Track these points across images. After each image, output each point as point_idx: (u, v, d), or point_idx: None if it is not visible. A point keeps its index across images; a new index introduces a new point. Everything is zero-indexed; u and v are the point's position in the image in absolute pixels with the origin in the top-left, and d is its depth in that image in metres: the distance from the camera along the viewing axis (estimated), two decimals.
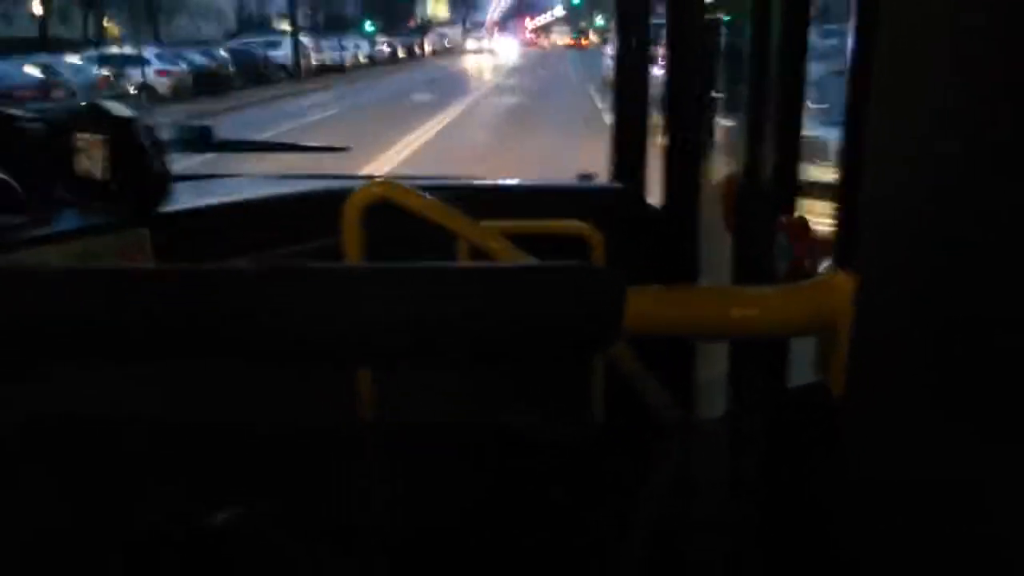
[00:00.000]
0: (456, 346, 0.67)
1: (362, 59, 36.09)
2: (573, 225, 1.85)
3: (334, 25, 47.04)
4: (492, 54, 53.91)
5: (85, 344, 0.67)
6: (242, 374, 1.36)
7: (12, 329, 0.66)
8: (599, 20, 60.60)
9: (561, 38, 71.68)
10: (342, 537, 0.92)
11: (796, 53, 1.21)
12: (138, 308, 0.66)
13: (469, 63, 43.52)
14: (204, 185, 2.31)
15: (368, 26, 47.47)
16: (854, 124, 0.74)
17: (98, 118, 1.88)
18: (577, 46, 61.41)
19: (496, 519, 0.89)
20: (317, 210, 1.74)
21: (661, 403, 1.55)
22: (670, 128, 2.00)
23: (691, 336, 1.37)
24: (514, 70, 35.99)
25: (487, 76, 33.79)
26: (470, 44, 62.44)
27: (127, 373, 1.20)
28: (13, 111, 2.11)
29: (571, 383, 1.76)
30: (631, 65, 2.21)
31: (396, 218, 1.47)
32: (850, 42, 0.74)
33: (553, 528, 0.89)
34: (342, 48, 34.77)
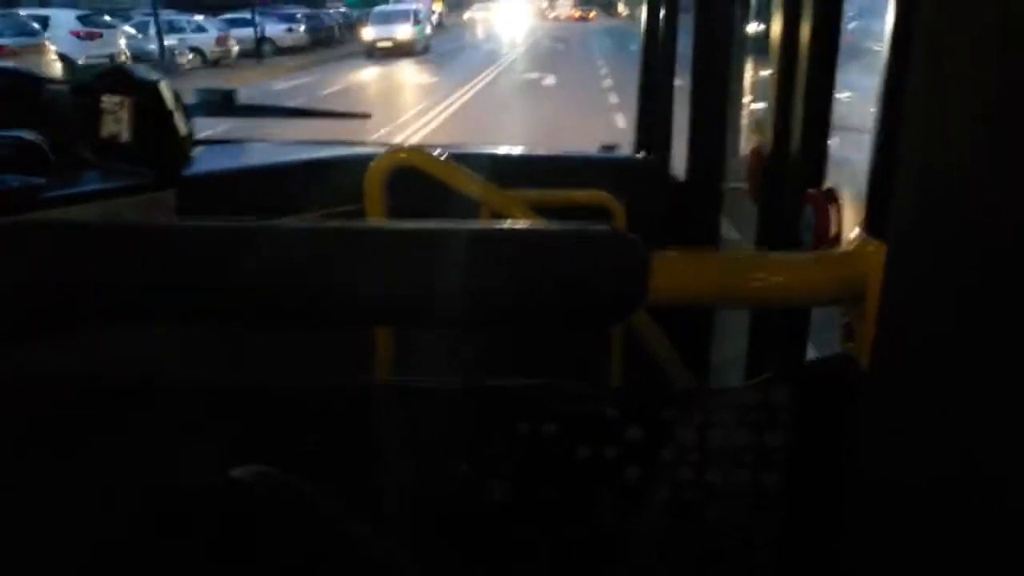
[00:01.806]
0: (480, 308, 0.67)
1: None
2: (595, 195, 1.83)
3: None
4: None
5: (109, 302, 0.67)
6: (262, 335, 1.36)
7: (32, 285, 0.66)
8: None
9: (565, 11, 67.90)
10: (362, 496, 0.93)
11: (829, 21, 1.19)
12: (162, 264, 0.66)
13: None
14: (228, 149, 2.32)
15: None
16: (889, 91, 0.72)
17: (124, 81, 1.89)
18: (583, 19, 57.25)
19: (511, 485, 0.89)
20: (340, 176, 1.74)
21: (679, 373, 1.54)
22: (695, 98, 1.97)
23: (716, 303, 1.36)
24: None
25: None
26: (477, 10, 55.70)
27: (148, 333, 1.21)
28: (39, 74, 2.12)
29: (590, 349, 1.76)
30: (658, 34, 2.18)
31: (418, 186, 1.46)
32: (889, 8, 0.73)
33: (568, 495, 0.89)
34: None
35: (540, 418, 0.85)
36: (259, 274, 0.66)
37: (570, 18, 59.98)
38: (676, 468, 0.85)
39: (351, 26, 30.87)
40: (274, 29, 26.18)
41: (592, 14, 61.18)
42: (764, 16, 1.71)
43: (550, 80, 17.41)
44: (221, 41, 22.65)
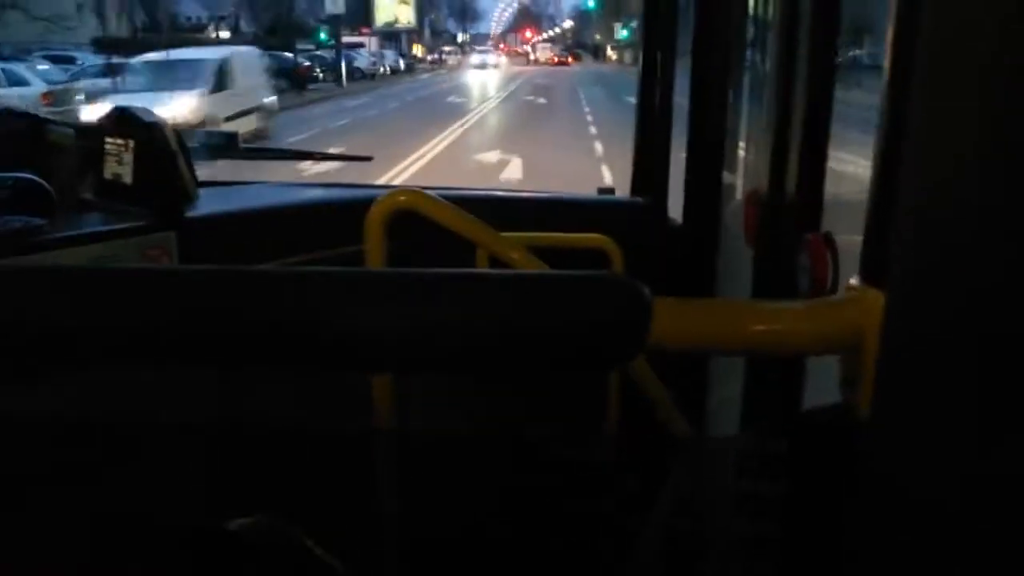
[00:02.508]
0: (477, 354, 0.67)
1: None
2: (593, 238, 1.84)
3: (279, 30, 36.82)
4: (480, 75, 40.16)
5: (105, 346, 0.67)
6: (260, 378, 1.36)
7: (31, 330, 0.67)
8: (622, 32, 55.66)
9: (544, 54, 67.36)
10: (356, 544, 0.92)
11: (824, 67, 1.21)
12: (159, 310, 0.66)
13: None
14: (230, 191, 2.34)
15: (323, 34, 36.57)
16: (886, 136, 0.73)
17: (128, 123, 1.91)
18: (563, 64, 57.41)
19: (508, 532, 0.88)
20: (341, 218, 1.75)
21: (675, 419, 1.54)
22: (692, 142, 2.00)
23: (712, 351, 1.37)
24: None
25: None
26: (475, 59, 54.96)
27: (146, 376, 1.21)
28: (45, 116, 2.14)
29: (587, 396, 1.76)
30: (655, 79, 2.21)
31: (418, 227, 1.47)
32: (887, 56, 0.74)
33: (565, 542, 0.88)
34: None
35: (537, 465, 0.85)
36: (251, 319, 0.66)
37: (550, 62, 60.34)
38: (673, 517, 0.85)
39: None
40: None
41: (570, 59, 61.65)
42: (760, 61, 1.74)
43: (514, 170, 11.57)
44: None
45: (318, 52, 34.09)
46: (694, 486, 0.84)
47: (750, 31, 1.91)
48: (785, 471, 0.82)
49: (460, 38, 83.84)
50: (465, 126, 17.74)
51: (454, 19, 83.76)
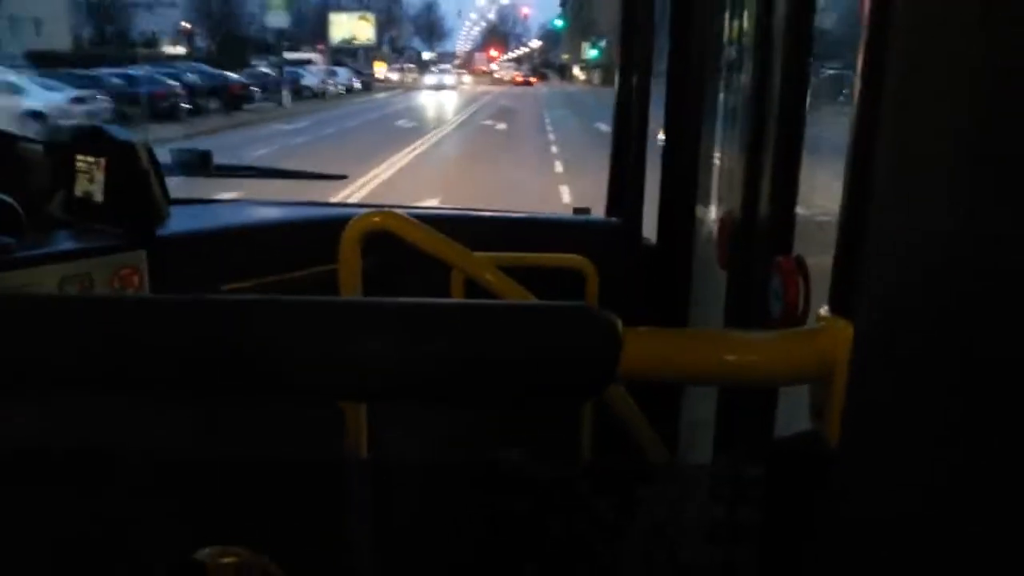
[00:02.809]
0: (449, 384, 0.67)
1: None
2: (568, 259, 1.85)
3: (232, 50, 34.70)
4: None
5: (69, 373, 0.66)
6: (231, 406, 1.35)
7: None
8: (591, 52, 54.90)
9: (508, 74, 64.53)
10: (327, 573, 0.91)
11: (797, 91, 1.22)
12: (126, 337, 0.65)
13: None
14: (203, 209, 2.32)
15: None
16: (854, 166, 0.74)
17: (99, 140, 1.89)
18: (527, 84, 55.98)
19: (482, 559, 0.88)
20: (314, 237, 1.74)
21: (649, 445, 1.54)
22: (666, 164, 2.01)
23: (685, 380, 1.37)
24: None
25: None
26: (429, 80, 49.48)
27: (115, 405, 1.19)
28: (13, 132, 2.12)
29: (561, 422, 1.76)
30: (631, 100, 2.22)
31: (393, 247, 1.47)
32: (856, 82, 0.75)
33: (539, 569, 0.88)
34: None
35: (511, 492, 0.84)
36: (222, 348, 0.65)
37: (513, 81, 59.13)
38: (648, 544, 0.84)
39: None
40: None
41: (534, 79, 60.46)
42: (735, 82, 1.76)
43: None
44: None
45: (263, 69, 31.84)
46: (668, 512, 0.84)
47: (725, 53, 1.93)
48: (759, 498, 0.82)
49: (426, 56, 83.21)
50: (407, 159, 15.44)
51: (420, 37, 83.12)
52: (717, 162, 2.01)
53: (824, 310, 0.73)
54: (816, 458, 0.70)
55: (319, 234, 1.60)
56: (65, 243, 1.77)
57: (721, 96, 1.92)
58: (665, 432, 1.64)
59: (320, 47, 52.41)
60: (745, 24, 1.53)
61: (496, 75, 64.59)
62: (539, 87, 53.61)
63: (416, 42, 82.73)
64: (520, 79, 60.40)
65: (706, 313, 1.80)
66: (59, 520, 0.87)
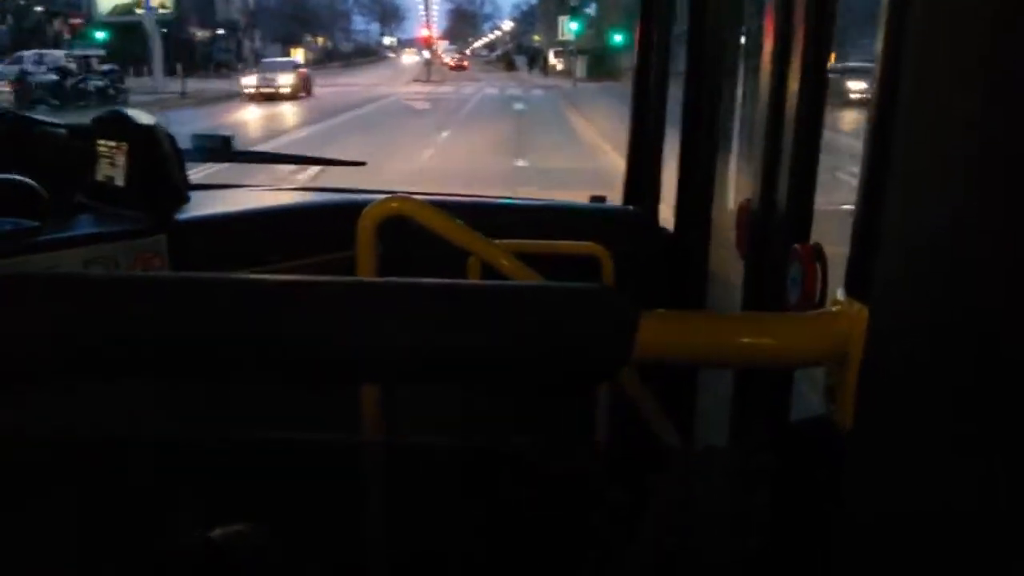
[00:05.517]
0: (466, 365, 0.68)
1: None
2: (585, 246, 1.85)
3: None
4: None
5: (88, 356, 0.67)
6: (248, 388, 1.36)
7: (15, 337, 0.66)
8: (571, 26, 39.16)
9: (453, 59, 56.74)
10: (342, 555, 0.92)
11: (816, 77, 1.22)
12: (146, 318, 0.66)
13: None
14: (222, 195, 2.33)
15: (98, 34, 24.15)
16: (872, 152, 0.74)
17: (120, 125, 1.91)
18: (461, 68, 49.15)
19: (496, 544, 0.88)
20: (332, 223, 1.75)
21: (664, 431, 1.54)
22: (684, 152, 2.00)
23: (701, 363, 1.37)
24: None
25: None
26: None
27: (132, 387, 1.20)
28: (38, 117, 2.14)
29: (576, 407, 1.76)
30: (648, 87, 2.21)
31: (410, 233, 1.47)
32: (876, 66, 0.74)
33: (553, 554, 0.88)
34: None
35: (525, 476, 0.85)
36: (241, 330, 0.66)
37: (447, 66, 52.91)
38: (662, 528, 0.85)
39: None
40: None
41: (466, 63, 54.25)
42: (754, 71, 1.75)
43: None
44: None
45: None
46: (683, 497, 0.85)
47: (744, 42, 1.91)
48: (773, 482, 0.83)
49: (388, 41, 74.73)
50: None
51: (365, 18, 71.32)
52: (735, 150, 2.00)
53: (840, 293, 0.73)
54: (829, 442, 0.71)
55: (337, 220, 1.61)
56: (87, 227, 1.79)
57: (740, 84, 1.91)
58: (682, 418, 1.64)
59: (75, 22, 33.79)
60: (765, 12, 1.52)
61: (443, 63, 58.91)
62: (480, 79, 38.94)
63: (361, 23, 73.11)
64: (454, 63, 55.71)
65: (724, 301, 1.80)
66: (76, 500, 0.88)
